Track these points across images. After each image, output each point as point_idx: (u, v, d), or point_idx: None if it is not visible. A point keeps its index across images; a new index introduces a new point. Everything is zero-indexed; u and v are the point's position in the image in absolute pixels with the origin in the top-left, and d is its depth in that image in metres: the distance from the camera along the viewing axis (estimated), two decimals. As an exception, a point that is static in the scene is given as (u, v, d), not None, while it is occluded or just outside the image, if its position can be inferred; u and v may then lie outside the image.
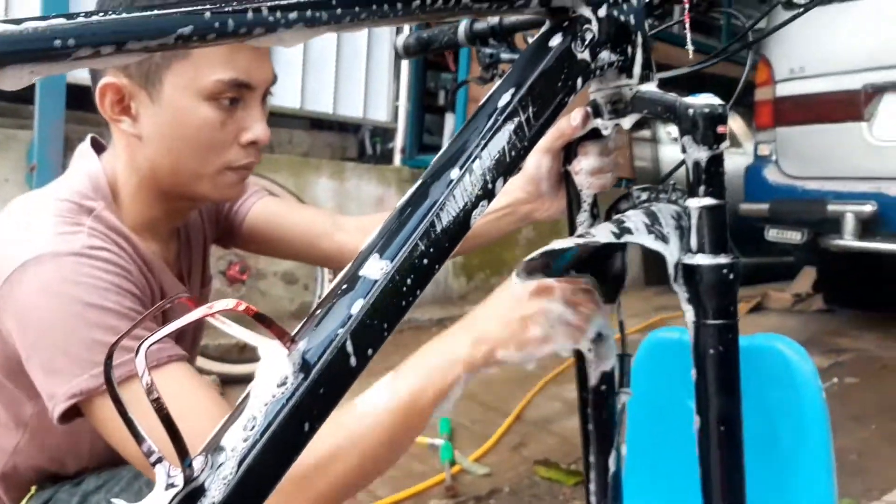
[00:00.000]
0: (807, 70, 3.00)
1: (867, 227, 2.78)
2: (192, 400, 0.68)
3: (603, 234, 0.63)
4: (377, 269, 0.45)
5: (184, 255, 0.94)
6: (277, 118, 3.60)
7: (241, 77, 0.76)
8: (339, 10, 0.43)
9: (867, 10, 2.82)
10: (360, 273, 0.46)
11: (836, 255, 3.14)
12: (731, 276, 0.65)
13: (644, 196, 0.74)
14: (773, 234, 3.09)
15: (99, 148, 0.86)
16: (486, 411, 2.38)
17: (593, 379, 0.75)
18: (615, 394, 0.77)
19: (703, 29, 5.56)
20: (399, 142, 3.68)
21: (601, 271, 0.70)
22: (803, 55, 2.98)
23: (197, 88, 0.75)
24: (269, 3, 0.41)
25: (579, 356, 0.75)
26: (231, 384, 2.49)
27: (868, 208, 2.76)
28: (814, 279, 3.92)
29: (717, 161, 0.64)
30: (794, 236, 3.01)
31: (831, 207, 2.85)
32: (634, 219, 0.65)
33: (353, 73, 3.43)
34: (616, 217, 0.67)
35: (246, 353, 2.61)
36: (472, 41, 0.84)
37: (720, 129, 0.63)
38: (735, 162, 4.29)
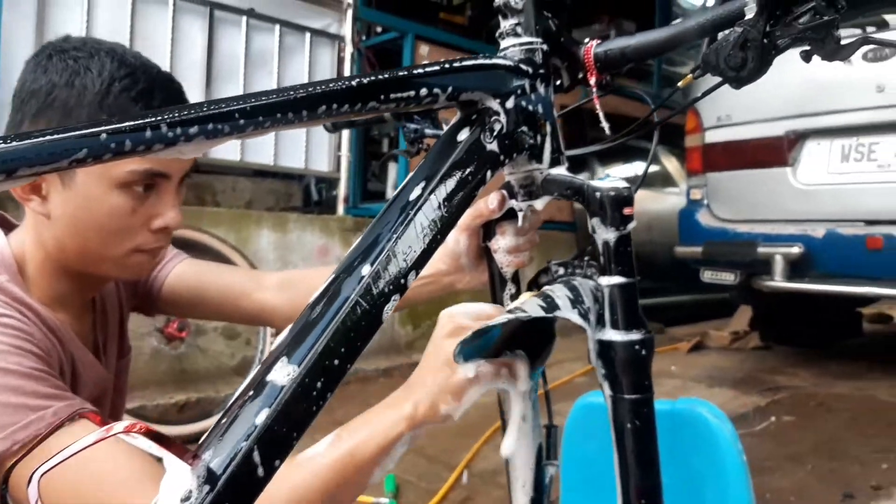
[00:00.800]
0: (733, 118, 3.13)
1: (796, 268, 2.89)
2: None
3: (533, 308, 0.64)
4: (284, 375, 0.46)
5: (99, 326, 0.92)
6: (220, 165, 3.58)
7: (156, 167, 0.76)
8: (241, 121, 0.45)
9: (787, 60, 2.97)
10: (268, 379, 0.46)
11: (770, 295, 3.24)
12: (644, 352, 0.67)
13: (561, 271, 0.76)
14: (707, 275, 3.18)
15: (7, 225, 0.86)
16: (432, 465, 2.36)
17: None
18: (543, 465, 0.78)
19: (641, 75, 5.78)
20: (342, 191, 3.69)
21: (529, 345, 0.72)
22: (729, 103, 3.11)
23: (110, 177, 0.75)
24: (168, 119, 0.42)
25: (505, 430, 0.76)
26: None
27: (796, 250, 2.87)
28: (750, 317, 4.04)
29: (624, 241, 0.67)
30: (728, 277, 3.11)
31: (761, 249, 2.95)
32: (559, 293, 0.67)
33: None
34: (542, 291, 0.69)
35: (185, 413, 2.54)
36: (398, 118, 0.86)
37: (626, 210, 0.66)
38: (672, 202, 4.45)
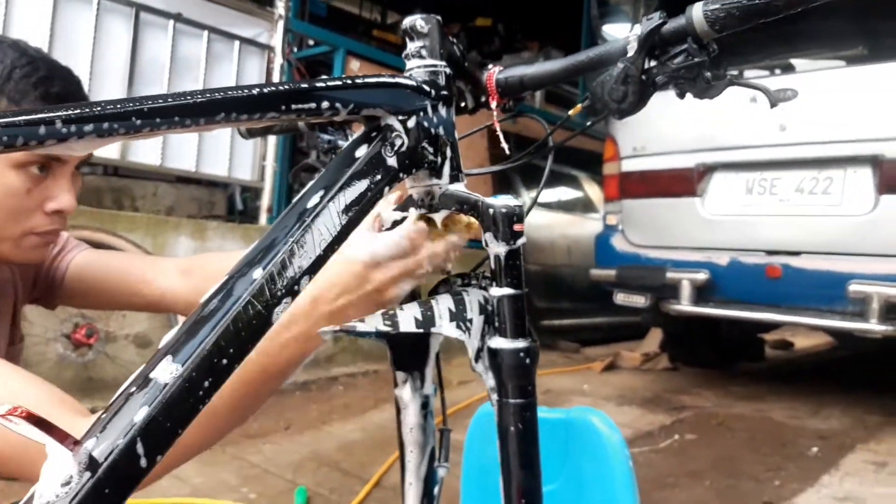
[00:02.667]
0: (647, 149, 3.28)
1: (701, 293, 3.04)
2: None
3: (406, 320, 0.67)
4: (167, 373, 0.47)
5: None
6: (140, 170, 3.49)
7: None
8: (137, 122, 0.46)
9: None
10: (151, 375, 0.47)
11: (677, 318, 3.39)
12: (528, 360, 0.71)
13: (459, 282, 0.80)
14: (620, 297, 3.30)
15: None
16: (345, 477, 2.36)
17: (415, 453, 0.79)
18: (434, 467, 0.81)
19: (560, 101, 5.96)
20: (266, 200, 3.66)
21: (411, 350, 0.75)
22: (644, 135, 3.26)
23: (6, 157, 0.76)
24: (63, 115, 0.43)
25: (401, 435, 0.79)
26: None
27: (701, 276, 3.02)
28: (660, 339, 4.20)
29: (515, 255, 0.71)
30: (639, 300, 3.23)
31: (670, 275, 3.09)
32: (441, 305, 0.71)
33: (218, 131, 3.40)
34: (426, 300, 0.72)
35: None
36: (312, 127, 0.88)
37: (517, 226, 0.70)
38: (591, 227, 4.59)
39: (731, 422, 3.08)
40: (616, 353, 4.26)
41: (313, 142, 0.94)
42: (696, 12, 0.62)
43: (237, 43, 3.51)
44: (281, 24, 3.64)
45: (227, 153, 3.49)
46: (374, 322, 0.65)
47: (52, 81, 0.80)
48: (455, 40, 0.74)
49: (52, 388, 0.69)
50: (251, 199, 4.06)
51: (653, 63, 0.65)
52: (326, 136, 0.92)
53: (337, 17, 6.83)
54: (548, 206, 5.42)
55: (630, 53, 0.65)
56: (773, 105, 0.67)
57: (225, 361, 0.50)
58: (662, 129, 3.15)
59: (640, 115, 0.69)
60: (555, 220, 5.24)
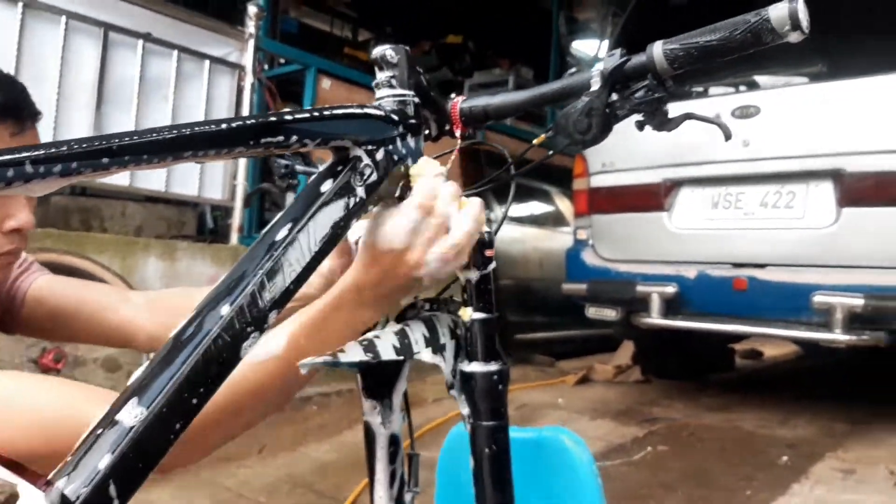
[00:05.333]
0: (616, 164, 3.32)
1: (671, 306, 3.07)
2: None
3: (385, 348, 0.68)
4: (132, 417, 0.47)
5: None
6: (108, 190, 3.45)
7: None
8: (104, 160, 0.46)
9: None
10: (118, 418, 0.47)
11: (648, 331, 3.42)
12: (500, 383, 0.73)
13: (427, 306, 0.81)
14: (592, 311, 3.33)
15: None
16: (320, 500, 2.34)
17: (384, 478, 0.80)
18: (405, 491, 0.81)
19: (531, 118, 6.02)
20: (236, 220, 3.63)
21: (382, 377, 0.76)
22: (612, 151, 3.30)
23: None
24: (32, 156, 0.43)
25: (371, 461, 0.79)
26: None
27: (670, 289, 3.06)
28: (632, 352, 4.23)
29: (486, 280, 0.72)
30: (610, 314, 3.27)
31: (640, 288, 3.13)
32: (416, 331, 0.71)
33: (188, 151, 3.38)
34: (400, 327, 0.73)
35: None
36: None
37: (487, 252, 0.72)
38: (563, 241, 4.63)
39: (703, 432, 3.12)
40: (589, 367, 4.28)
41: (273, 165, 0.94)
42: (657, 50, 0.64)
43: (207, 62, 3.50)
44: (251, 42, 3.64)
45: (197, 172, 3.47)
46: (355, 352, 0.65)
47: None
48: (422, 70, 0.75)
49: (74, 384, 0.67)
50: (222, 217, 4.03)
51: (615, 97, 0.67)
52: (283, 161, 0.92)
53: (308, 35, 6.84)
54: (520, 220, 5.46)
55: (594, 87, 0.67)
56: (727, 139, 0.69)
57: (195, 401, 0.50)
58: (630, 145, 3.19)
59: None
60: (527, 234, 5.27)
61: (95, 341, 1.06)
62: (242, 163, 3.64)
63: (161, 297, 1.04)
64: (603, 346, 4.73)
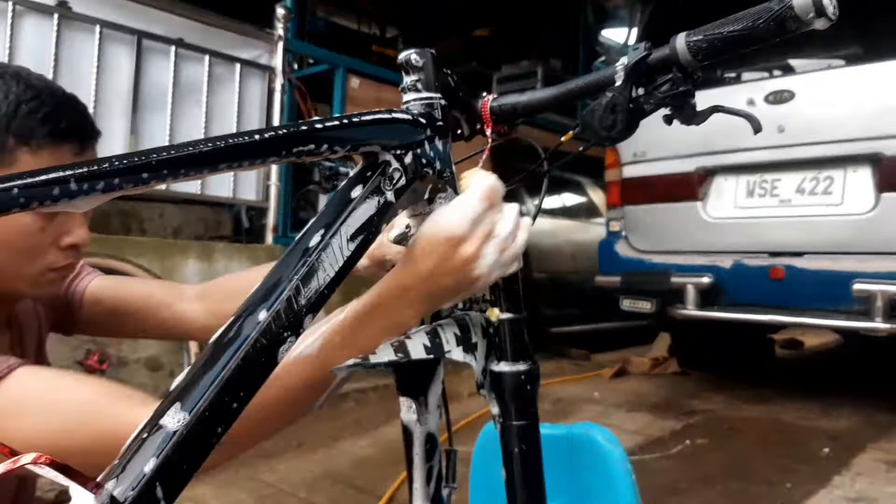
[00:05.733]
0: (648, 154, 3.30)
1: (706, 297, 3.04)
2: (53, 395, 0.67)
3: (416, 348, 0.69)
4: (175, 421, 0.49)
5: (16, 346, 0.92)
6: (146, 193, 3.52)
7: None
8: (145, 175, 0.48)
9: (706, 100, 3.15)
10: (161, 422, 0.49)
11: (684, 322, 3.39)
12: (529, 383, 0.73)
13: (460, 305, 0.82)
14: (626, 303, 3.31)
15: None
16: (359, 495, 2.37)
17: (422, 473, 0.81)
18: (442, 488, 0.82)
19: (565, 109, 5.97)
20: (271, 220, 3.68)
21: (417, 375, 0.77)
22: (644, 140, 3.28)
23: None
24: (77, 174, 0.45)
25: (409, 458, 0.80)
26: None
27: (706, 280, 3.03)
28: (669, 344, 4.20)
29: (514, 280, 0.73)
30: (645, 306, 3.24)
31: (675, 279, 3.10)
32: (448, 330, 0.72)
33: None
34: (433, 326, 0.74)
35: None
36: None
37: (516, 252, 0.72)
38: (596, 233, 4.61)
39: (742, 425, 3.09)
40: (625, 359, 4.26)
41: (317, 167, 0.96)
42: (680, 43, 0.64)
43: (238, 65, 3.55)
44: (280, 45, 3.68)
45: (230, 175, 3.52)
46: (386, 353, 0.67)
47: (59, 116, 0.79)
48: (449, 71, 0.76)
49: (107, 385, 0.69)
50: (257, 217, 4.09)
51: (640, 91, 0.67)
52: (327, 164, 0.94)
53: (336, 33, 6.88)
54: (552, 212, 5.44)
55: (618, 83, 0.67)
56: (756, 132, 0.69)
57: (235, 405, 0.52)
58: (662, 134, 3.16)
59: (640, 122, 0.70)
60: (559, 226, 5.25)
61: (154, 336, 1.10)
62: (275, 165, 3.69)
63: (211, 286, 1.07)
64: (639, 339, 4.70)
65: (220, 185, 3.49)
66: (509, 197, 0.74)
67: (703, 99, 0.62)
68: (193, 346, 2.68)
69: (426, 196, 0.71)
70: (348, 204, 0.63)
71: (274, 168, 3.67)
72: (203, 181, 3.42)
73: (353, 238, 0.62)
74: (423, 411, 0.79)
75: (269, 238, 3.67)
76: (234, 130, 3.37)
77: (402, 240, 0.77)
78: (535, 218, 0.82)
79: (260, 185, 3.67)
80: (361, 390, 3.41)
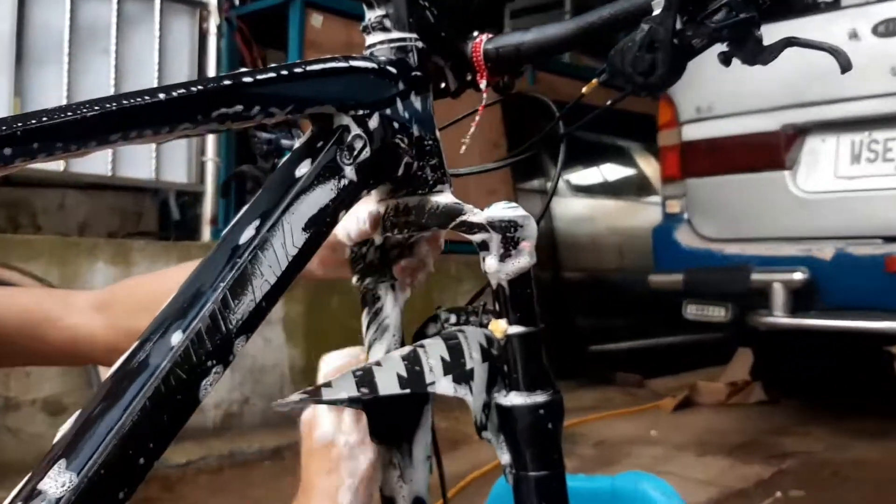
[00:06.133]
0: (716, 109, 3.28)
1: (800, 299, 3.02)
2: None
3: (387, 380, 0.69)
4: (57, 485, 0.49)
5: None
6: (38, 178, 3.52)
7: None
8: (6, 151, 0.48)
9: (784, 33, 3.13)
10: (40, 487, 0.49)
11: (771, 334, 3.38)
12: (551, 418, 0.73)
13: (452, 318, 0.82)
14: (691, 311, 3.29)
15: None
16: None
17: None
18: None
19: (598, 50, 5.95)
20: (208, 209, 3.68)
21: (395, 416, 0.77)
22: (711, 90, 3.25)
23: None
24: None
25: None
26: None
27: (798, 276, 3.02)
28: (751, 363, 4.18)
29: (523, 281, 0.72)
30: (717, 313, 3.23)
31: (756, 277, 3.09)
32: (432, 353, 0.72)
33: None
34: (411, 349, 0.74)
35: None
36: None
37: (524, 244, 0.72)
38: (648, 216, 4.60)
39: (851, 470, 3.08)
40: (692, 385, 4.25)
41: (251, 139, 0.96)
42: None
43: (157, 2, 3.55)
44: (215, -29, 3.68)
45: (151, 149, 3.52)
46: (345, 385, 0.67)
47: None
48: (428, 3, 0.76)
49: None
50: (190, 206, 4.08)
51: (686, 23, 0.66)
52: (264, 136, 0.94)
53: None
54: (589, 190, 5.43)
55: (656, 11, 0.67)
56: (843, 70, 0.68)
57: (141, 460, 0.52)
58: (735, 81, 3.14)
59: (703, 66, 0.69)
60: (599, 209, 5.24)
61: (42, 362, 1.08)
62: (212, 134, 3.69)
63: (116, 292, 1.05)
64: (709, 358, 4.69)
65: (138, 163, 3.49)
66: (529, 169, 0.74)
67: (784, 32, 0.61)
68: (105, 374, 2.69)
69: (399, 172, 0.71)
70: (293, 186, 0.63)
71: (211, 139, 3.67)
72: (114, 158, 3.41)
73: (300, 232, 0.62)
74: (407, 464, 0.79)
75: (207, 233, 3.67)
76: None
77: (365, 237, 0.78)
78: (552, 194, 0.82)
79: (193, 163, 3.67)
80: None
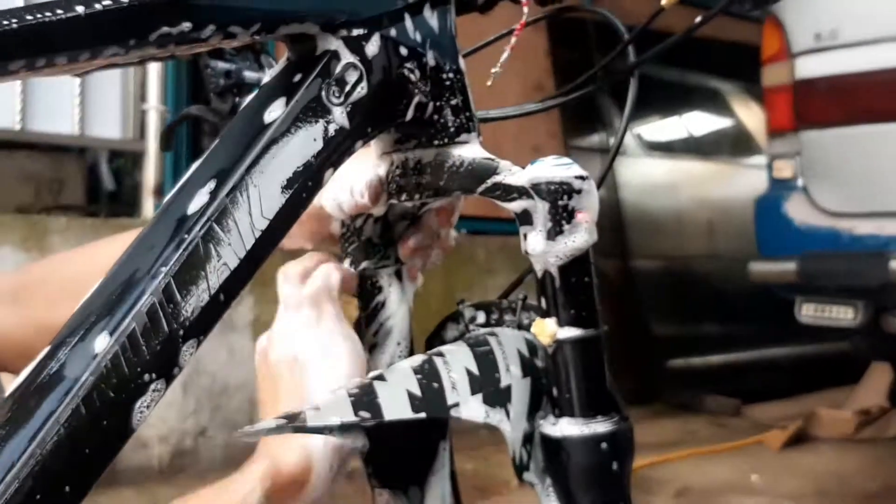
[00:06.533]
0: (841, 35, 3.25)
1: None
2: None
3: (394, 399, 0.68)
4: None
5: None
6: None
7: None
8: None
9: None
10: None
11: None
12: (617, 455, 0.72)
13: (481, 317, 0.81)
14: (807, 311, 3.28)
15: None
16: None
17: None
18: None
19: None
20: (151, 174, 3.69)
21: (402, 452, 0.77)
22: (834, 12, 3.24)
23: None
24: None
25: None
26: None
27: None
28: (889, 383, 4.16)
29: (579, 267, 0.72)
30: (844, 315, 3.21)
31: (898, 265, 3.07)
32: (455, 364, 0.72)
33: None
34: (425, 358, 0.73)
35: None
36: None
37: (581, 215, 0.71)
38: (749, 183, 4.57)
39: None
40: (808, 414, 4.24)
41: (204, 70, 0.96)
42: None
43: None
44: None
45: (74, 96, 3.53)
46: (338, 409, 0.66)
47: None
48: None
49: None
50: (127, 170, 4.08)
51: None
52: (222, 65, 0.94)
53: None
54: (669, 147, 5.41)
55: None
56: None
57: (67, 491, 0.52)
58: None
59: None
60: (682, 173, 5.22)
61: None
62: (155, 73, 3.69)
63: (31, 275, 1.09)
64: (831, 377, 4.67)
65: (55, 112, 3.50)
66: (585, 118, 0.73)
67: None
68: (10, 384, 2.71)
69: (408, 115, 0.71)
70: (261, 135, 0.63)
71: (154, 80, 3.67)
72: (23, 107, 3.42)
73: (272, 197, 0.62)
74: None
75: (149, 206, 3.67)
76: None
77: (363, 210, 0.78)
78: (616, 150, 0.81)
79: (130, 113, 3.67)
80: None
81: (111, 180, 4.06)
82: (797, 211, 3.40)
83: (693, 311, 4.95)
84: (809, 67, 3.35)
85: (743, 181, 4.99)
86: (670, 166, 5.23)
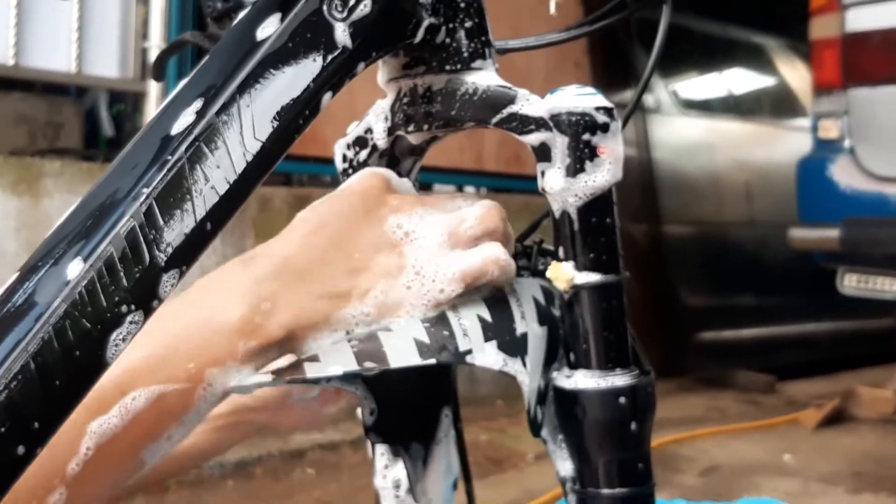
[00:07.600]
0: (897, -16, 3.23)
1: None
2: None
3: (401, 346, 0.67)
4: None
5: None
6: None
7: None
8: None
9: None
10: None
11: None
12: (636, 411, 0.71)
13: None
14: (850, 282, 3.28)
15: None
16: None
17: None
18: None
19: None
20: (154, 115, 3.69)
21: (405, 405, 0.76)
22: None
23: None
24: None
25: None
26: None
27: None
28: (934, 363, 4.17)
29: (600, 207, 0.70)
30: (890, 286, 3.21)
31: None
32: (466, 312, 0.71)
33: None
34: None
35: None
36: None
37: (602, 148, 0.69)
38: (791, 146, 4.55)
39: None
40: (846, 392, 4.24)
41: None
42: None
43: None
44: None
45: (71, 30, 3.53)
46: (339, 357, 0.65)
47: None
48: None
49: None
50: (128, 114, 4.09)
51: None
52: None
53: None
54: (705, 106, 5.39)
55: None
56: None
57: (21, 448, 0.51)
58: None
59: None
60: (720, 133, 5.20)
61: None
62: (159, 8, 3.68)
63: None
64: (874, 353, 4.67)
65: (51, 49, 3.50)
66: (616, 68, 0.72)
67: None
68: None
69: (418, 36, 0.69)
70: (253, 53, 0.62)
71: (156, 14, 3.66)
72: (18, 42, 3.42)
73: (265, 121, 0.61)
74: (421, 477, 0.79)
75: (152, 151, 3.68)
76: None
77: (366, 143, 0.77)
78: (641, 91, 0.79)
79: (130, 51, 3.67)
80: (329, 446, 3.44)
81: (110, 125, 4.07)
82: (842, 174, 3.39)
83: (726, 281, 4.95)
84: (861, 19, 3.34)
85: (784, 143, 4.99)
86: (707, 126, 5.22)
